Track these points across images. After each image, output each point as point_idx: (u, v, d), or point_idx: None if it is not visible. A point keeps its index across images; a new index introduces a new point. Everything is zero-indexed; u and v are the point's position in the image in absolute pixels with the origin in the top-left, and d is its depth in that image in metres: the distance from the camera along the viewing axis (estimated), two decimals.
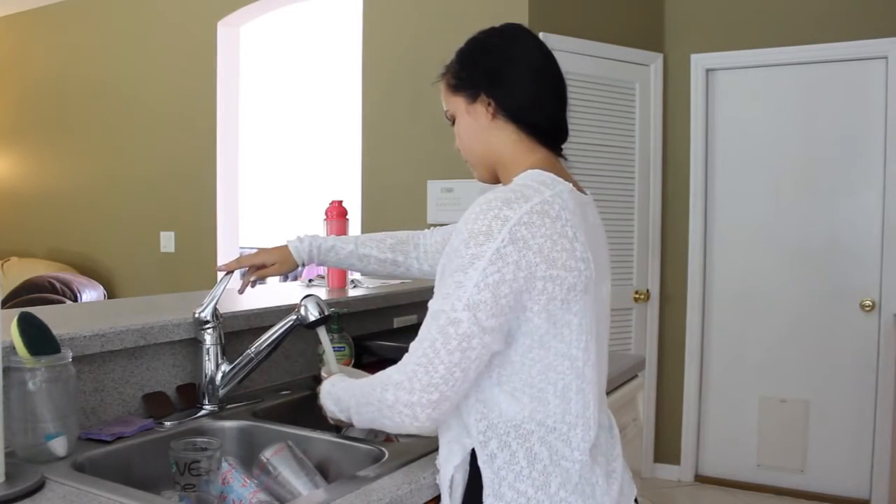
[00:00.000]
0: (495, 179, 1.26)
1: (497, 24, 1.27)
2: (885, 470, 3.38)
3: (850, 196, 3.53)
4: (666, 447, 3.88)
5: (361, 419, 1.16)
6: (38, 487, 1.08)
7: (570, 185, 1.15)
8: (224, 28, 4.40)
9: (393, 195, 3.68)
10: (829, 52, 3.48)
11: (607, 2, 3.63)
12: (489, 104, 1.20)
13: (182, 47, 4.51)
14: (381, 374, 1.10)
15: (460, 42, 1.27)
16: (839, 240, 3.55)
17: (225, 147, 4.44)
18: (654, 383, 3.85)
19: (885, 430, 3.39)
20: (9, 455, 1.11)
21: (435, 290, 1.09)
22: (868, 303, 3.46)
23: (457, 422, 1.13)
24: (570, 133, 1.25)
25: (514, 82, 1.19)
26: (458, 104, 1.24)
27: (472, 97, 1.21)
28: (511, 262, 1.03)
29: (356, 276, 2.55)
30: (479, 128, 1.21)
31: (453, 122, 1.27)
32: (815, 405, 3.60)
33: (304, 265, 1.68)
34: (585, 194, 1.21)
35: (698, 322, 3.80)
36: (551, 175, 1.14)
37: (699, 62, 3.73)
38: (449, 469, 1.12)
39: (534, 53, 1.21)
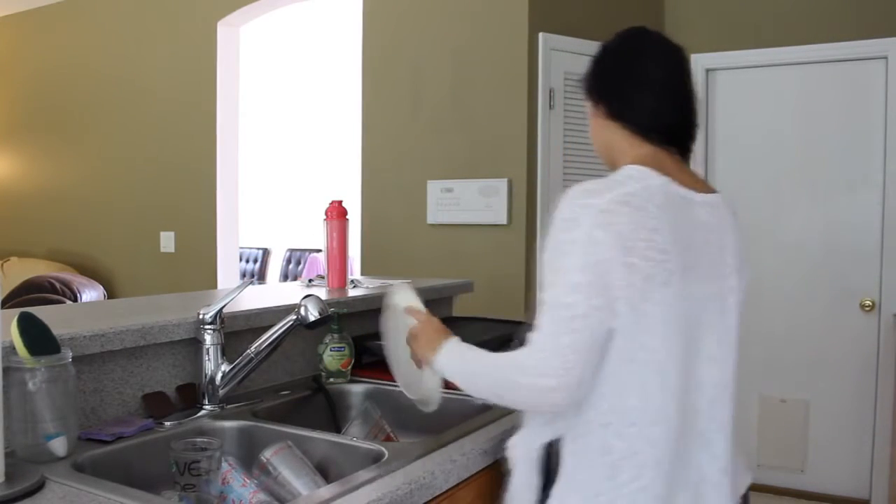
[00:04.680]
0: None
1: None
2: (885, 470, 3.38)
3: (850, 196, 3.53)
4: None
5: (478, 390, 1.22)
6: (38, 487, 1.08)
7: (668, 178, 1.18)
8: (224, 28, 4.40)
9: (393, 195, 3.68)
10: (829, 52, 3.48)
11: (607, 2, 3.62)
12: (608, 113, 1.28)
13: (182, 47, 4.51)
14: (507, 358, 1.14)
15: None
16: (839, 240, 3.55)
17: (225, 147, 4.44)
18: None
19: (885, 430, 3.39)
20: (9, 455, 1.10)
21: (542, 281, 1.13)
22: (868, 303, 3.46)
23: None
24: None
25: (634, 99, 1.27)
26: (588, 105, 1.34)
27: (596, 102, 1.31)
28: (601, 243, 1.08)
29: (356, 276, 2.55)
30: (600, 127, 1.31)
31: None
32: (815, 405, 3.60)
33: None
34: (709, 193, 1.28)
35: None
36: (646, 170, 1.18)
37: (699, 62, 3.73)
38: (533, 448, 1.18)
39: (657, 70, 1.28)
